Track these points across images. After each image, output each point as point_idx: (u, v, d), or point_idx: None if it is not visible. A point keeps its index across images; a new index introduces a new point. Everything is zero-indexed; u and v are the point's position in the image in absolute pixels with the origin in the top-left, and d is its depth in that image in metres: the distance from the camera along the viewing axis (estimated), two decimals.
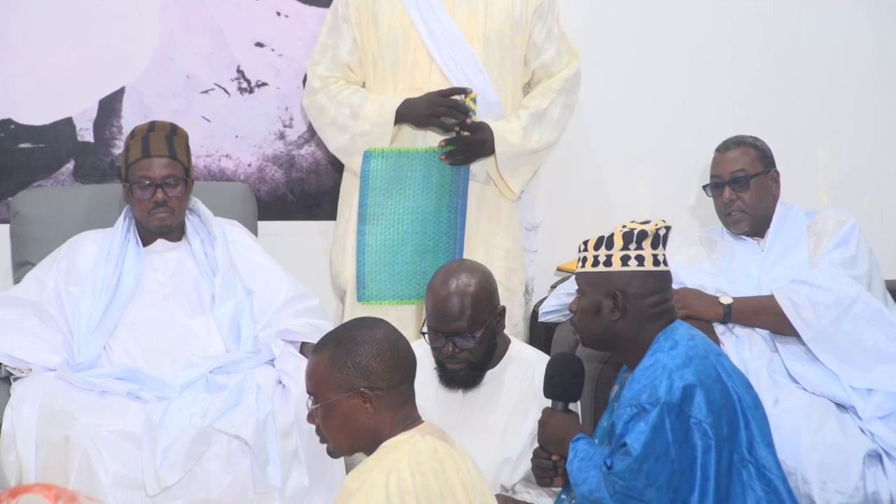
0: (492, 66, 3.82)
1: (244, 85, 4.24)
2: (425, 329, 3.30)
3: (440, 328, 3.25)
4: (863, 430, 3.39)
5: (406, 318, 3.82)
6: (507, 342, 3.39)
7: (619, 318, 2.97)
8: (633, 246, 2.97)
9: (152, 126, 3.75)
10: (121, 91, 4.18)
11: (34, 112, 4.14)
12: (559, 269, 4.34)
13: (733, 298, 3.58)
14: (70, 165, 4.17)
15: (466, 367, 3.27)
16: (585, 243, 3.03)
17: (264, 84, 4.26)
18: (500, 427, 3.32)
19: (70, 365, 3.49)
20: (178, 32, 4.19)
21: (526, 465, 3.24)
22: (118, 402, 3.41)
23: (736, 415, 2.91)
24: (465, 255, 3.78)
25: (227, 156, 4.26)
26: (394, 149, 3.77)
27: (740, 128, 3.93)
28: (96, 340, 3.57)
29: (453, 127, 3.72)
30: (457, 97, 3.71)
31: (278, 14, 4.24)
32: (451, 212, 3.80)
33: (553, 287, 4.10)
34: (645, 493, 2.83)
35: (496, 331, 3.32)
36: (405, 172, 3.76)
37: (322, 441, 2.69)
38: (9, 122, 4.13)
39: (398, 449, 2.56)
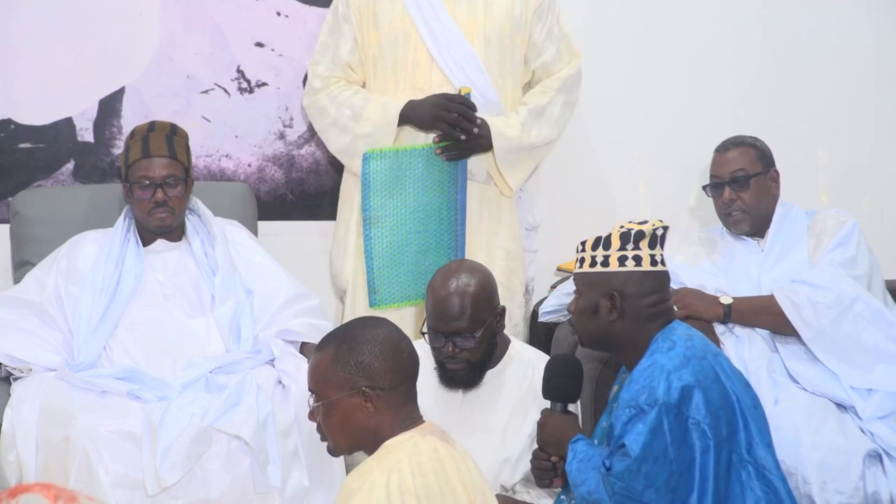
0: (492, 65, 3.82)
1: (244, 85, 4.24)
2: (425, 329, 3.30)
3: (440, 328, 3.25)
4: (863, 430, 3.39)
5: (406, 318, 3.82)
6: (507, 342, 3.39)
7: (617, 318, 2.97)
8: (630, 246, 2.97)
9: (152, 126, 3.75)
10: (121, 91, 4.18)
11: (34, 112, 4.14)
12: (559, 269, 4.34)
13: (733, 298, 3.58)
14: (70, 165, 4.17)
15: (466, 367, 3.28)
16: (583, 244, 3.03)
17: (264, 84, 4.26)
18: (499, 427, 3.32)
19: (70, 365, 3.49)
20: (178, 32, 4.19)
21: (526, 465, 3.24)
22: (118, 402, 3.41)
23: (735, 415, 2.90)
24: (467, 256, 3.78)
25: (227, 156, 4.26)
26: (391, 148, 3.76)
27: (740, 128, 3.93)
28: (96, 340, 3.57)
29: (458, 136, 3.71)
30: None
31: (278, 14, 4.24)
32: (451, 208, 3.80)
33: (553, 287, 4.10)
34: (644, 494, 2.83)
35: (496, 331, 3.32)
36: (404, 171, 3.76)
37: (323, 439, 2.69)
38: (9, 122, 4.13)
39: (399, 449, 2.56)
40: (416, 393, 2.67)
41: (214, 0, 4.20)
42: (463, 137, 3.72)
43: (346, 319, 3.77)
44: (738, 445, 2.90)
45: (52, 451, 3.32)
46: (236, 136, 4.26)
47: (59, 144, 4.16)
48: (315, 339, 3.58)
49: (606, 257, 2.98)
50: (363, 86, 3.91)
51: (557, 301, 3.79)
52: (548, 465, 3.07)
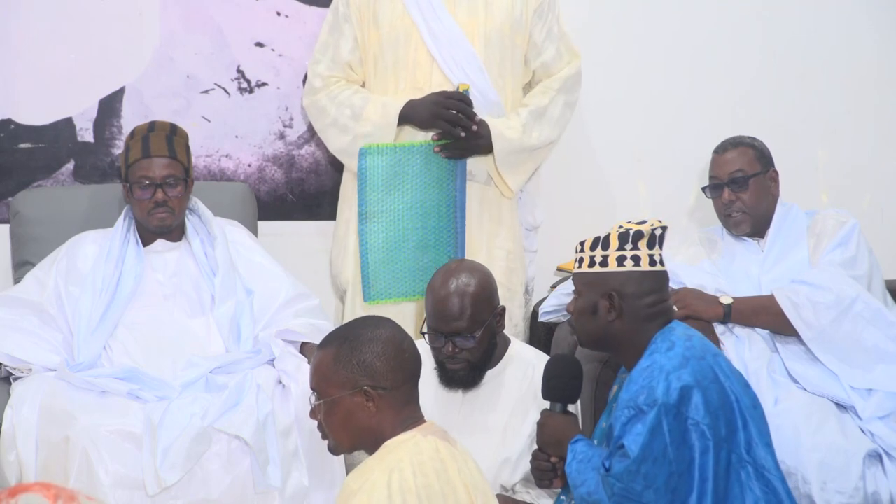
0: (492, 65, 3.82)
1: (244, 85, 4.24)
2: (425, 329, 3.30)
3: (440, 328, 3.25)
4: (863, 430, 3.39)
5: (406, 318, 3.81)
6: (507, 342, 3.39)
7: (616, 318, 2.97)
8: (628, 246, 2.97)
9: (152, 126, 3.75)
10: (121, 91, 4.18)
11: (34, 112, 4.14)
12: (559, 269, 4.34)
13: (733, 298, 3.58)
14: (70, 165, 4.17)
15: (466, 367, 3.28)
16: (582, 244, 3.03)
17: (264, 84, 4.26)
18: (499, 427, 3.32)
19: (70, 365, 3.49)
20: (178, 32, 4.19)
21: (526, 465, 3.24)
22: (118, 402, 3.41)
23: (734, 415, 2.90)
24: (467, 256, 3.78)
25: (227, 156, 4.26)
26: (389, 144, 3.77)
27: (740, 128, 3.93)
28: (96, 340, 3.57)
29: (458, 133, 3.72)
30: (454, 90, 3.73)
31: (278, 14, 4.24)
32: (450, 206, 3.80)
33: (553, 287, 4.10)
34: (643, 494, 2.83)
35: (496, 331, 3.32)
36: (403, 167, 3.77)
37: (323, 437, 2.69)
38: (9, 122, 4.13)
39: (400, 448, 2.56)
40: (417, 393, 2.67)
41: (214, 0, 4.20)
42: (462, 135, 3.72)
43: (347, 319, 3.77)
44: (737, 446, 2.89)
45: (52, 451, 3.32)
46: (236, 136, 4.26)
47: (59, 144, 4.16)
48: (315, 339, 3.58)
49: (605, 257, 2.98)
50: (363, 85, 3.91)
51: (557, 301, 3.79)
52: (547, 466, 3.07)
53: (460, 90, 3.74)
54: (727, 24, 4.50)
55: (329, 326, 3.61)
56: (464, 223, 3.81)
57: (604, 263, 2.98)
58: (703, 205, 4.30)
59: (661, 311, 2.99)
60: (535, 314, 4.02)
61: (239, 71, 4.24)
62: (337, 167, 4.19)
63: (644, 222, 2.99)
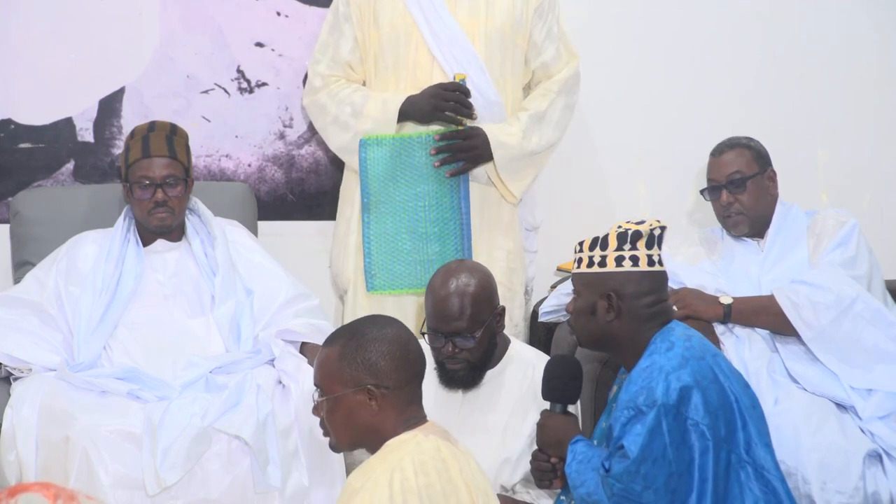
0: (493, 65, 3.82)
1: (244, 85, 4.24)
2: (425, 329, 3.30)
3: (440, 328, 3.25)
4: (863, 430, 3.39)
5: (407, 316, 3.80)
6: (506, 342, 3.39)
7: (615, 318, 2.97)
8: (627, 246, 2.97)
9: (152, 126, 3.75)
10: (121, 91, 4.18)
11: (34, 112, 4.14)
12: (559, 269, 4.34)
13: (733, 298, 3.58)
14: (70, 165, 4.17)
15: (466, 367, 3.28)
16: (581, 244, 3.03)
17: (264, 84, 4.26)
18: (499, 427, 3.32)
19: (70, 365, 3.49)
20: (178, 32, 4.19)
21: (526, 465, 3.24)
22: (118, 402, 3.41)
23: (733, 415, 2.90)
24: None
25: (227, 156, 4.26)
26: (389, 135, 3.77)
27: (740, 128, 3.92)
28: (96, 340, 3.57)
29: (458, 122, 3.72)
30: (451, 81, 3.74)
31: (278, 14, 4.24)
32: (454, 196, 3.79)
33: (553, 287, 4.10)
34: (643, 495, 2.83)
35: (496, 331, 3.32)
36: (404, 159, 3.77)
37: (325, 434, 2.69)
38: (9, 122, 4.13)
39: (402, 448, 2.56)
40: (421, 393, 2.67)
41: (214, 0, 4.20)
42: (462, 127, 3.72)
43: (347, 319, 3.78)
44: (736, 446, 2.89)
45: (52, 450, 3.32)
46: (236, 136, 4.26)
47: (59, 144, 4.16)
48: (315, 339, 3.59)
49: (604, 257, 2.98)
50: (363, 85, 3.91)
51: (557, 301, 3.79)
52: (547, 467, 3.07)
53: (457, 80, 3.74)
54: (727, 24, 4.50)
55: (329, 326, 3.61)
56: (468, 214, 3.80)
57: (602, 264, 2.98)
58: (702, 205, 4.30)
59: (660, 312, 2.99)
60: (535, 314, 4.02)
61: (239, 71, 4.24)
62: (337, 166, 4.19)
63: (643, 222, 2.99)
